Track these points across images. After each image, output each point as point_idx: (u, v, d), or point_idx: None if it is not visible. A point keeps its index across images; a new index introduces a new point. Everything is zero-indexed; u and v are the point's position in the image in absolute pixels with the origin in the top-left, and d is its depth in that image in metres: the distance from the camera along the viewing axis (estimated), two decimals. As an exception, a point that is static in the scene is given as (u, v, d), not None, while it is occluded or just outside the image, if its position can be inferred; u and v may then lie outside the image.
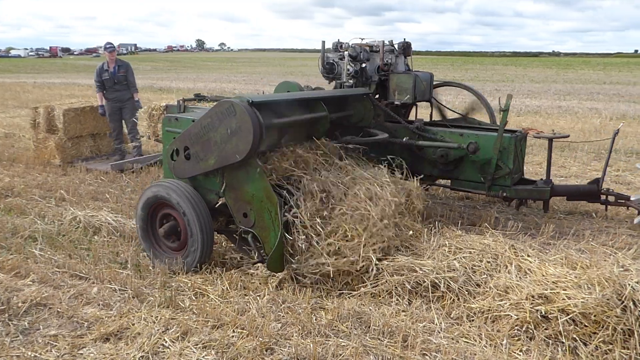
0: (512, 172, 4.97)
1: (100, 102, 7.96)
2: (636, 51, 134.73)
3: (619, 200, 5.14)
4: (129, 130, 8.19)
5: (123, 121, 8.11)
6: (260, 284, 3.92)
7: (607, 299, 3.18)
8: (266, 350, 3.08)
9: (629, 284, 3.26)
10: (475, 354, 2.98)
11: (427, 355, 3.00)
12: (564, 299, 3.27)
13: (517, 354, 3.02)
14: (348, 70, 5.75)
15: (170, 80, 27.59)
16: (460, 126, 5.57)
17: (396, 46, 6.04)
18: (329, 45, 5.98)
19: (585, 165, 8.13)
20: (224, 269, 4.17)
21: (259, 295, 3.71)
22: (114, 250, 4.57)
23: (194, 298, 3.72)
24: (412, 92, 5.63)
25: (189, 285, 3.89)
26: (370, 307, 3.52)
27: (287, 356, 3.03)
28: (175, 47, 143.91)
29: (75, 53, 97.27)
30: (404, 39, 6.08)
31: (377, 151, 5.22)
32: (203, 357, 3.02)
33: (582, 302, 3.19)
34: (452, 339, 3.18)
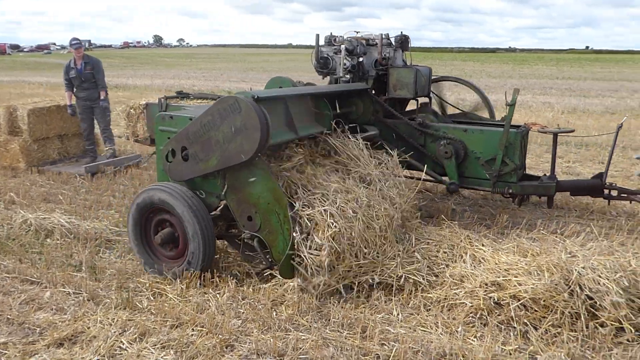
0: (517, 168, 4.89)
1: (68, 102, 7.58)
2: (587, 47, 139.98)
3: (621, 195, 5.08)
4: (101, 131, 7.79)
5: (95, 121, 7.73)
6: (220, 281, 3.89)
7: (555, 284, 3.32)
8: (226, 347, 3.07)
9: (576, 270, 3.40)
10: (431, 342, 3.06)
11: (385, 344, 3.05)
12: (515, 286, 3.39)
13: (472, 340, 3.11)
14: (344, 64, 5.56)
15: (126, 77, 26.90)
16: (464, 122, 5.45)
17: (393, 40, 5.88)
18: (322, 40, 5.79)
19: (538, 157, 8.42)
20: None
21: (218, 293, 3.68)
22: (68, 253, 4.44)
23: (152, 298, 3.66)
24: (413, 87, 5.46)
25: (147, 285, 3.83)
26: (330, 301, 3.55)
27: (248, 352, 3.03)
28: (131, 43, 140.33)
29: (25, 50, 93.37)
30: (401, 33, 5.92)
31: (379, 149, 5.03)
32: (162, 357, 2.98)
33: (532, 288, 3.32)
34: (410, 328, 3.25)
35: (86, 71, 7.46)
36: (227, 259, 4.32)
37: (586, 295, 3.29)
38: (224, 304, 3.52)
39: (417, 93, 5.54)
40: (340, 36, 5.83)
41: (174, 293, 3.70)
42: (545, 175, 5.13)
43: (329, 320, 3.33)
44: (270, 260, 3.74)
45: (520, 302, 3.30)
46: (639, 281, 3.38)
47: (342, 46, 5.59)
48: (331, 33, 5.89)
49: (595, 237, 4.14)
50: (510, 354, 2.98)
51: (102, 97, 7.57)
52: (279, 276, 3.68)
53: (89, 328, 3.24)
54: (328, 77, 5.90)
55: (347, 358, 2.92)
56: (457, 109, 6.13)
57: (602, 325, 3.19)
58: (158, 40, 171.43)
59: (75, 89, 7.55)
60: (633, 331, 3.14)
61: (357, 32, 5.87)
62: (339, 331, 3.21)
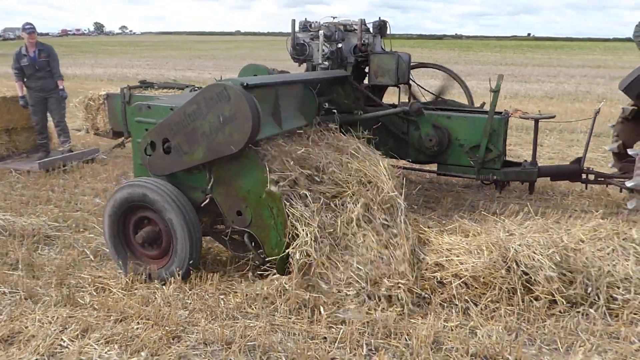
0: (501, 154, 4.88)
1: (20, 92, 6.92)
2: (529, 34, 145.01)
3: (598, 179, 5.16)
4: (56, 124, 7.19)
5: (48, 114, 7.15)
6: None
7: (494, 262, 3.46)
8: (173, 339, 3.03)
9: (512, 247, 3.55)
10: (379, 321, 3.12)
11: (332, 327, 3.10)
12: (456, 265, 3.51)
13: (417, 318, 3.20)
14: (323, 51, 5.41)
15: (66, 67, 25.56)
16: (447, 109, 5.34)
17: (371, 26, 5.74)
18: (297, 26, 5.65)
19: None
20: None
21: (164, 285, 3.62)
22: (3, 251, 4.24)
23: (94, 293, 3.56)
24: (394, 73, 5.36)
25: (89, 281, 3.71)
26: (280, 288, 3.54)
27: (195, 342, 3.00)
28: (70, 31, 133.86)
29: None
30: (379, 18, 5.77)
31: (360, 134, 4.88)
32: (105, 352, 2.91)
33: (472, 266, 3.45)
34: (358, 310, 3.30)
35: (41, 59, 6.84)
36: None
37: (522, 271, 3.44)
38: (171, 296, 3.47)
39: (399, 80, 5.46)
40: (316, 22, 5.68)
41: (118, 287, 3.61)
42: (525, 161, 5.15)
43: (278, 307, 3.34)
44: (263, 256, 3.59)
45: (461, 281, 3.42)
46: (570, 256, 3.57)
47: (321, 32, 5.44)
48: (305, 19, 5.73)
49: (532, 216, 4.33)
50: (452, 330, 3.09)
51: (60, 87, 6.98)
52: (276, 272, 3.52)
53: (26, 327, 3.12)
54: (305, 65, 5.74)
55: (295, 342, 2.95)
56: (436, 96, 6.06)
57: (536, 299, 3.35)
58: (99, 28, 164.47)
59: (26, 79, 6.90)
60: (564, 303, 3.32)
61: (333, 18, 5.73)
62: (287, 317, 3.23)
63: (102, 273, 3.84)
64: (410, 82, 5.81)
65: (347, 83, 5.11)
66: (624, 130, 5.49)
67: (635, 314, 3.27)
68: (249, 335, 3.02)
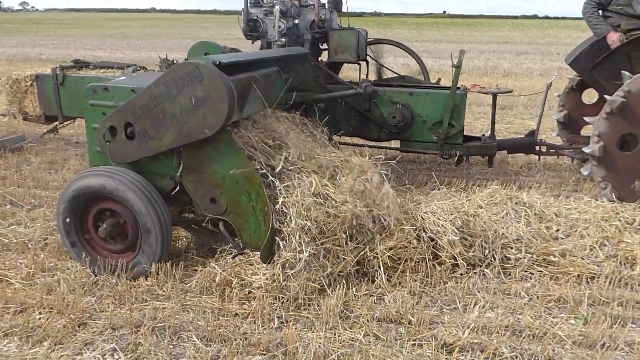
0: (462, 129, 4.85)
1: None
2: (444, 12, 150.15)
3: (550, 150, 5.29)
4: None
5: None
6: (72, 260, 3.66)
7: (406, 234, 3.59)
8: (78, 326, 2.94)
9: (420, 215, 3.73)
10: (289, 292, 3.17)
11: (245, 303, 3.13)
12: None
13: (328, 290, 3.29)
14: (279, 27, 5.18)
15: (-43, 46, 23.43)
16: (408, 86, 5.19)
17: (326, 1, 5.56)
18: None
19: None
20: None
21: (70, 273, 3.48)
22: None
23: (-9, 286, 3.35)
24: (355, 50, 5.20)
25: (-16, 273, 3.49)
26: (195, 269, 3.51)
27: (102, 328, 2.93)
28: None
29: None
30: None
31: (317, 115, 4.75)
32: (4, 345, 2.77)
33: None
34: (268, 283, 3.33)
35: None
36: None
37: (428, 237, 3.64)
38: (77, 283, 3.34)
39: (359, 57, 5.34)
40: None
41: (17, 278, 3.42)
42: (484, 135, 5.20)
43: (190, 287, 3.32)
44: (241, 245, 3.45)
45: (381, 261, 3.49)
46: (470, 221, 3.82)
47: (277, 7, 5.22)
48: None
49: (437, 185, 4.57)
50: (360, 298, 3.23)
51: None
52: (262, 262, 3.34)
53: None
54: (260, 42, 5.51)
55: (205, 320, 2.95)
56: (394, 72, 5.92)
57: (440, 264, 3.56)
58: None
59: None
60: (465, 265, 3.56)
61: None
62: (199, 297, 3.22)
63: (0, 264, 3.62)
64: (369, 59, 5.72)
65: (307, 60, 4.94)
66: (569, 100, 5.81)
67: (525, 271, 3.57)
68: (159, 317, 2.99)
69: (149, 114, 3.20)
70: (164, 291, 3.27)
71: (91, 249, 3.55)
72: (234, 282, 3.25)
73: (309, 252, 3.23)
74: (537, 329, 2.94)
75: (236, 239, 3.47)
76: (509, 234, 3.77)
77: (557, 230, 3.88)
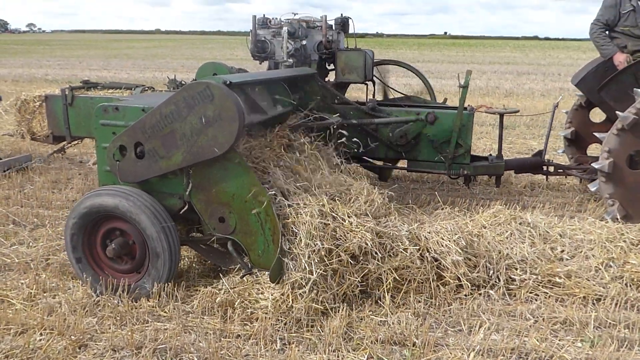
0: (470, 149, 4.86)
1: None
2: (445, 33, 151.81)
3: (558, 170, 5.33)
4: None
5: None
6: (73, 279, 3.65)
7: (410, 253, 3.56)
8: (79, 348, 2.91)
9: (423, 235, 3.71)
10: (292, 311, 3.13)
11: (247, 324, 3.10)
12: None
13: (330, 312, 3.26)
14: (287, 48, 5.26)
15: (-36, 67, 23.72)
16: (414, 105, 5.24)
17: (333, 23, 5.62)
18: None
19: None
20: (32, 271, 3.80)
21: (71, 293, 3.46)
22: None
23: (-9, 307, 3.33)
24: (362, 70, 5.24)
25: (-15, 294, 3.47)
26: (197, 289, 3.49)
27: (103, 349, 2.90)
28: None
29: None
30: (342, 15, 5.69)
31: (327, 136, 4.73)
32: (4, 368, 2.74)
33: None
34: (274, 304, 3.31)
35: None
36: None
37: (432, 257, 3.60)
38: (78, 304, 3.32)
39: (366, 77, 5.38)
40: (276, 18, 5.53)
41: (19, 298, 3.40)
42: (490, 155, 5.21)
43: (192, 308, 3.29)
44: (249, 265, 3.41)
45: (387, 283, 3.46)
46: (474, 241, 3.79)
47: (285, 29, 5.31)
48: (264, 15, 5.55)
49: (441, 205, 4.56)
50: (364, 319, 3.19)
51: None
52: (271, 282, 3.28)
53: None
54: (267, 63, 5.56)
55: (207, 342, 2.92)
56: (400, 93, 5.93)
57: (444, 285, 3.53)
58: (3, 25, 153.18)
59: None
60: (470, 286, 3.52)
61: (294, 15, 5.61)
62: (201, 317, 3.19)
63: (1, 285, 3.60)
64: (375, 79, 5.76)
65: (314, 80, 4.98)
66: (577, 117, 5.80)
67: (530, 292, 3.53)
68: (160, 338, 2.96)
69: (159, 134, 3.22)
70: (165, 312, 3.24)
71: (97, 267, 3.52)
72: (236, 303, 3.22)
73: (318, 272, 3.19)
74: (543, 351, 2.90)
75: (244, 259, 3.43)
76: (514, 255, 3.74)
77: (562, 251, 3.85)
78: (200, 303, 3.28)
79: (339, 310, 3.19)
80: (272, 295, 3.21)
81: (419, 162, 5.01)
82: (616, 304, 3.37)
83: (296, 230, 3.33)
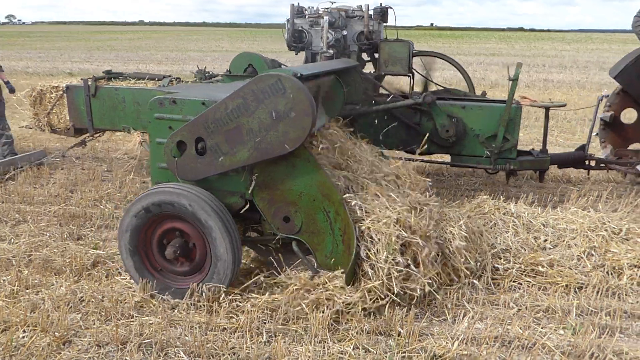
0: (517, 143, 4.81)
1: None
2: (432, 24, 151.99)
3: (600, 165, 5.29)
4: None
5: None
6: (57, 275, 3.62)
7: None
8: (63, 344, 2.89)
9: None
10: (279, 306, 3.15)
11: (233, 317, 3.10)
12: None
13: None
14: (328, 38, 5.09)
15: (-57, 59, 23.20)
16: (461, 99, 5.14)
17: (372, 12, 5.43)
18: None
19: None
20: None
21: (55, 289, 3.42)
22: None
23: (-27, 305, 3.29)
24: (406, 62, 5.08)
25: (-32, 291, 3.42)
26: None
27: (87, 345, 2.88)
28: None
29: None
30: (381, 4, 5.47)
31: (366, 129, 4.67)
32: (-13, 365, 2.71)
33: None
34: (260, 298, 3.32)
35: None
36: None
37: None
38: (61, 300, 3.29)
39: (410, 69, 5.24)
40: (311, 7, 5.39)
41: (0, 296, 3.36)
42: (532, 149, 5.16)
43: (178, 303, 3.27)
44: (316, 266, 3.28)
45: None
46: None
47: (325, 18, 5.16)
48: (298, 3, 5.39)
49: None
50: (349, 311, 3.20)
51: (5, 79, 6.15)
52: (346, 284, 3.17)
53: None
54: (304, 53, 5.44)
55: (193, 335, 2.92)
56: (440, 85, 5.74)
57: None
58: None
59: None
60: (469, 275, 3.54)
61: (332, 3, 5.45)
62: (186, 312, 3.18)
63: (-18, 282, 3.56)
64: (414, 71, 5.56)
65: (357, 72, 4.84)
66: (618, 101, 5.68)
67: (513, 281, 3.57)
68: (145, 333, 2.95)
69: (223, 129, 3.05)
70: (152, 306, 3.23)
71: (152, 269, 3.36)
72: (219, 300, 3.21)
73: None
74: (526, 339, 2.94)
75: (312, 260, 3.31)
76: (498, 244, 3.78)
77: (545, 241, 3.90)
78: (188, 297, 3.27)
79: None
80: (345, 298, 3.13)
81: (462, 156, 4.91)
82: (597, 292, 3.42)
83: (373, 236, 3.21)
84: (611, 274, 3.62)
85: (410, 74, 5.45)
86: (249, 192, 3.22)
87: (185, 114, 3.22)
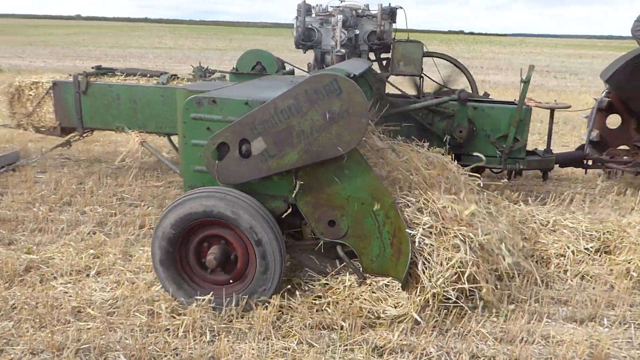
0: (526, 144, 4.91)
1: None
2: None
3: (597, 164, 5.51)
4: None
5: None
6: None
7: None
8: (-6, 354, 2.76)
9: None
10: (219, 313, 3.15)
11: (175, 318, 3.07)
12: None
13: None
14: (341, 37, 4.99)
15: None
16: (470, 100, 5.11)
17: (381, 13, 5.36)
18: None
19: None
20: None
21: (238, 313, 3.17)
22: None
23: None
24: (420, 63, 5.08)
25: None
26: (123, 290, 3.38)
27: (21, 354, 2.76)
28: None
29: None
30: (390, 4, 5.39)
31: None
32: None
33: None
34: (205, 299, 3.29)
35: None
36: None
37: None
38: (-10, 308, 3.13)
39: (422, 70, 5.23)
40: (319, 5, 5.27)
41: None
42: (536, 149, 5.28)
43: (118, 307, 3.19)
44: (362, 271, 3.22)
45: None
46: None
47: (339, 17, 5.06)
48: (304, 1, 5.26)
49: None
50: (293, 308, 3.24)
51: None
52: (403, 290, 3.17)
53: None
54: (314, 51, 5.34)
55: (134, 338, 2.86)
56: (445, 87, 5.74)
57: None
58: None
59: None
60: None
61: (341, 1, 5.35)
62: (126, 316, 3.11)
63: None
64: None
65: (371, 72, 4.78)
66: (600, 120, 5.78)
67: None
68: (83, 338, 2.86)
69: (271, 130, 2.92)
70: (91, 311, 3.13)
71: (188, 278, 3.21)
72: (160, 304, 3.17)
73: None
74: (462, 327, 3.08)
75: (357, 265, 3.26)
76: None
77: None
78: (127, 302, 3.20)
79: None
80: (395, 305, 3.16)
81: (472, 156, 4.94)
82: (527, 280, 3.62)
83: (432, 246, 3.18)
84: (540, 263, 3.84)
85: (422, 75, 5.49)
86: (293, 195, 3.11)
87: (225, 114, 3.08)
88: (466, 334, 3.03)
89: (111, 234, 4.26)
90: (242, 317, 3.09)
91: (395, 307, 3.19)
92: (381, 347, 2.89)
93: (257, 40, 44.56)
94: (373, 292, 3.30)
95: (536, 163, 5.14)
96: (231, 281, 3.19)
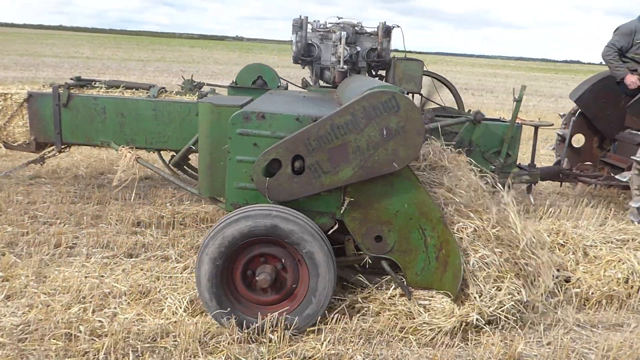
0: (517, 159, 5.09)
1: None
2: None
3: (572, 178, 5.81)
4: None
5: None
6: None
7: None
8: None
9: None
10: (147, 327, 3.05)
11: (95, 340, 2.92)
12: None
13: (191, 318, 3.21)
14: (344, 54, 4.94)
15: None
16: (460, 115, 5.26)
17: (379, 29, 5.33)
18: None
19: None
20: None
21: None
22: None
23: None
24: (420, 81, 5.14)
25: None
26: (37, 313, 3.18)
27: None
28: None
29: None
30: (384, 22, 5.39)
31: None
32: None
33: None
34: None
35: None
36: None
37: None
38: None
39: (421, 87, 5.27)
40: (316, 21, 5.24)
41: None
42: (520, 164, 5.44)
43: (32, 332, 3.00)
44: (407, 285, 3.25)
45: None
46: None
47: (343, 33, 5.04)
48: (300, 16, 5.18)
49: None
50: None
51: None
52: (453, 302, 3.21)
53: None
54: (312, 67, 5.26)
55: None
56: (436, 103, 5.74)
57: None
58: None
59: None
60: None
61: (339, 18, 5.30)
62: (41, 341, 2.91)
63: None
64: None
65: None
66: (574, 123, 6.22)
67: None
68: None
69: (326, 146, 2.92)
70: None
71: (234, 300, 3.11)
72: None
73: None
74: (387, 334, 3.16)
75: (402, 280, 3.29)
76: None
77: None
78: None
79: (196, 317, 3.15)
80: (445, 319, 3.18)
81: None
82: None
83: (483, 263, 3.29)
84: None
85: (421, 93, 5.57)
86: (340, 212, 3.13)
87: (274, 129, 3.05)
88: (390, 341, 3.11)
89: (22, 254, 3.98)
90: (166, 336, 3.00)
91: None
92: (310, 358, 2.91)
93: (182, 52, 43.78)
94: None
95: (527, 177, 5.40)
96: (279, 301, 3.16)
